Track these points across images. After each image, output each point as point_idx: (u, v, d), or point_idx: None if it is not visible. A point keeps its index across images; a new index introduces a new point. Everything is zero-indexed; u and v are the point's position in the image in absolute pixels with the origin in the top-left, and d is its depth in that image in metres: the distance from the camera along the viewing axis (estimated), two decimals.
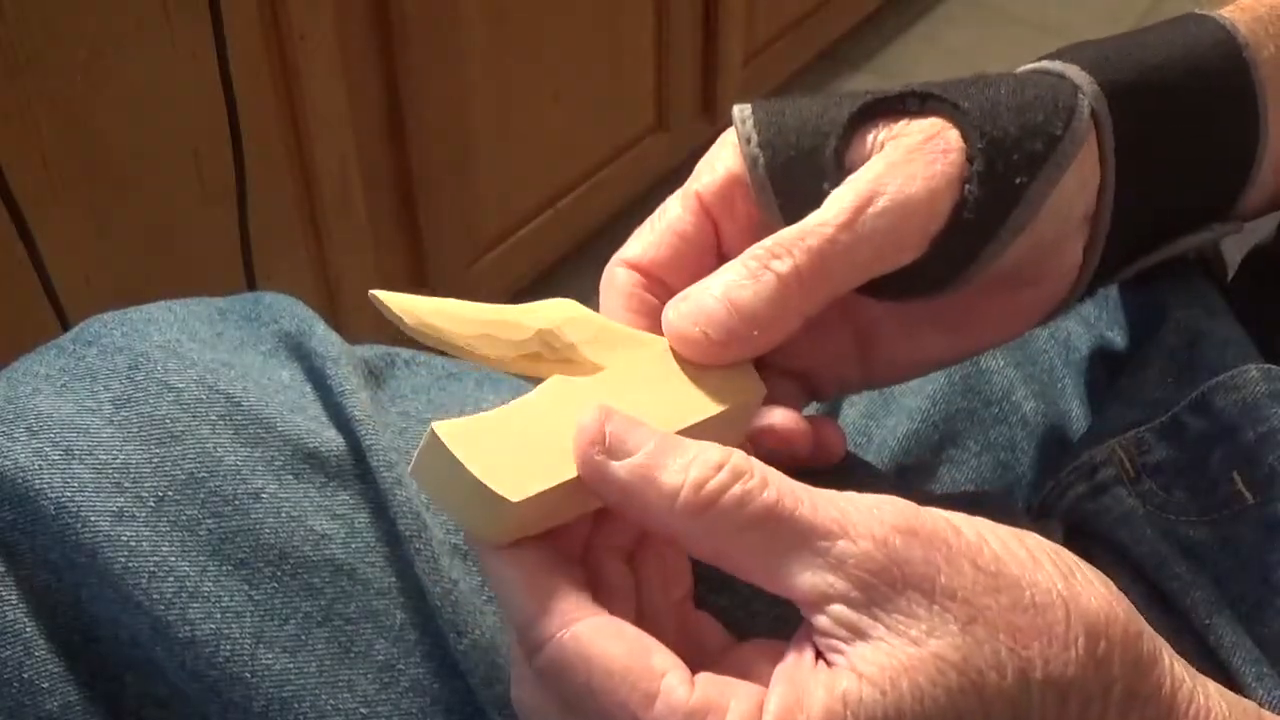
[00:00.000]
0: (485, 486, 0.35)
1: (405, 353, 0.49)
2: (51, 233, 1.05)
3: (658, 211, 0.45)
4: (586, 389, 0.39)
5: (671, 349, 0.41)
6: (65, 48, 1.03)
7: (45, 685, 0.43)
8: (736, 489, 0.34)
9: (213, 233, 1.18)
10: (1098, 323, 0.61)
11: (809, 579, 0.34)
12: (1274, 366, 0.47)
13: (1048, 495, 0.53)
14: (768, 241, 0.41)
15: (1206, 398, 0.47)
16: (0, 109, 1.01)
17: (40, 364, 0.46)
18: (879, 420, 0.56)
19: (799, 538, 0.34)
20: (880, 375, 0.49)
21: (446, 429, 0.35)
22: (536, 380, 0.42)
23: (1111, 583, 0.36)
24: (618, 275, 0.44)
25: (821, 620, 0.34)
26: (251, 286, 1.13)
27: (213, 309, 0.49)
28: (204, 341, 0.47)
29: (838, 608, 0.34)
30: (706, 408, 0.41)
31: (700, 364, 0.41)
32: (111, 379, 0.45)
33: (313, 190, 1.30)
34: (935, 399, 0.56)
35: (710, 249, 0.45)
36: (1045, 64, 0.46)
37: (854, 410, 0.57)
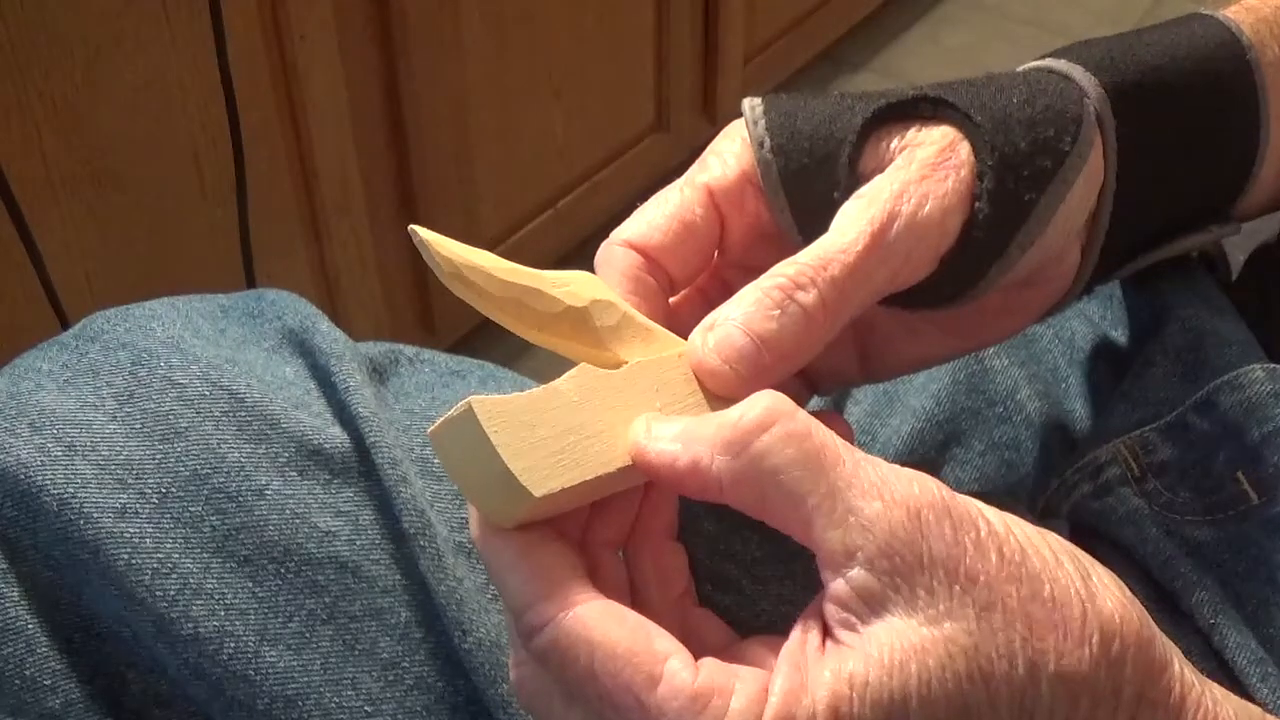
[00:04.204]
0: (511, 475, 0.35)
1: (409, 350, 0.49)
2: (51, 233, 1.05)
3: (662, 194, 0.45)
4: (612, 385, 0.39)
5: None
6: (65, 48, 1.03)
7: (47, 683, 0.43)
8: (779, 429, 0.34)
9: (213, 232, 1.18)
10: (1102, 322, 0.61)
11: (838, 536, 0.34)
12: (1278, 366, 0.47)
13: (1052, 495, 0.53)
14: (789, 268, 0.40)
15: (1211, 397, 0.47)
16: (0, 109, 1.01)
17: (43, 360, 0.46)
18: (883, 419, 0.56)
19: (836, 491, 0.34)
20: (879, 371, 0.49)
21: (484, 406, 0.35)
22: (550, 360, 0.42)
23: (1125, 587, 0.36)
24: (617, 254, 0.44)
25: (839, 586, 0.34)
26: (251, 286, 1.13)
27: (215, 306, 0.49)
28: (207, 338, 0.47)
29: (859, 572, 0.33)
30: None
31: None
32: (114, 375, 0.45)
33: (313, 190, 1.30)
34: (940, 398, 0.56)
35: (714, 241, 0.45)
36: (1051, 63, 0.46)
37: (858, 409, 0.57)
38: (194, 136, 1.15)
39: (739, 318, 0.40)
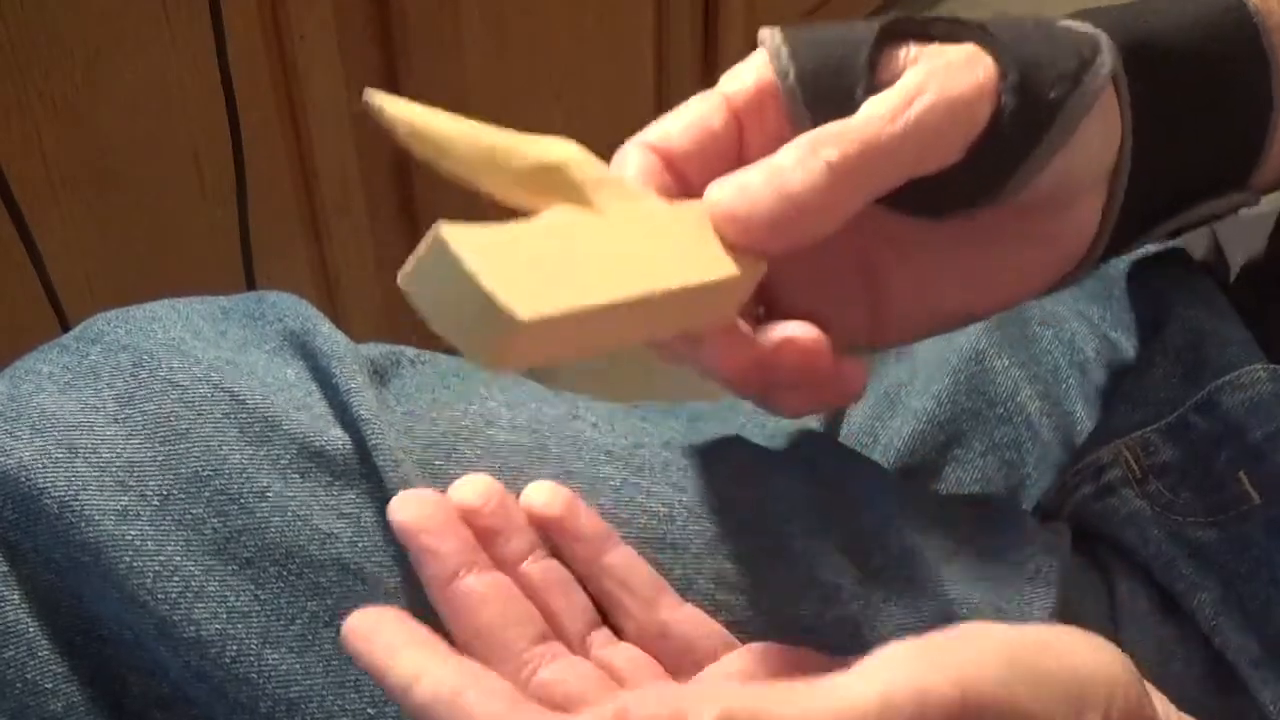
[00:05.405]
0: (493, 301, 0.31)
1: (410, 351, 0.49)
2: (51, 233, 1.05)
3: (685, 104, 0.44)
4: (590, 222, 0.37)
5: (664, 210, 0.40)
6: (65, 48, 1.03)
7: (49, 686, 0.43)
8: None
9: (213, 233, 1.18)
10: (1102, 323, 0.61)
11: None
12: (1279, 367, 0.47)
13: (1053, 496, 0.53)
14: (816, 131, 0.40)
15: (1213, 398, 0.47)
16: (0, 109, 1.01)
17: (43, 362, 0.46)
18: (885, 421, 0.56)
19: None
20: (888, 328, 0.48)
21: (454, 232, 0.32)
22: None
23: (1123, 660, 0.35)
24: (634, 154, 0.43)
25: None
26: (251, 286, 1.13)
27: (216, 307, 0.49)
28: (208, 340, 0.47)
29: None
30: (717, 267, 0.39)
31: (712, 235, 0.40)
32: (115, 377, 0.45)
33: (313, 190, 1.30)
34: (941, 399, 0.55)
35: (734, 150, 0.44)
36: (1062, 20, 0.46)
37: (860, 412, 0.57)
38: (194, 136, 1.15)
39: (761, 167, 0.40)
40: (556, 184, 0.38)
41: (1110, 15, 0.46)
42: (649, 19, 1.64)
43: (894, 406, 0.57)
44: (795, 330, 0.42)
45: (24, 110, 1.02)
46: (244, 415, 0.44)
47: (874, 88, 0.42)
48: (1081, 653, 0.35)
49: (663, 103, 1.71)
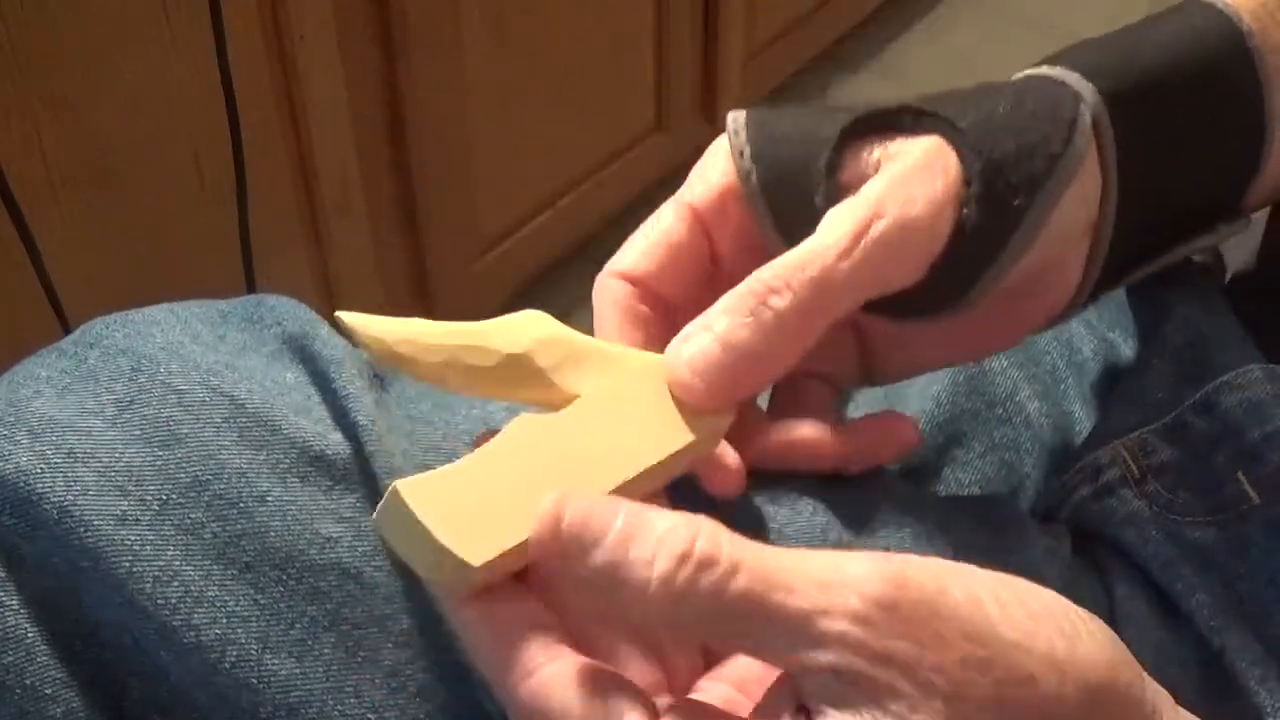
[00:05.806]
0: (447, 550, 0.35)
1: None
2: (51, 233, 1.05)
3: (650, 220, 0.45)
4: (552, 429, 0.38)
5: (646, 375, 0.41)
6: (65, 48, 1.03)
7: (48, 692, 0.43)
8: (706, 581, 0.32)
9: (213, 233, 1.18)
10: (1100, 324, 0.61)
11: (791, 658, 0.33)
12: (1277, 366, 0.47)
13: (1052, 496, 0.53)
14: (766, 273, 0.40)
15: (1211, 398, 0.47)
16: (0, 109, 1.01)
17: (41, 366, 0.45)
18: None
19: (778, 621, 0.32)
20: (881, 376, 0.50)
21: (409, 487, 0.35)
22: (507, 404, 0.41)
23: (1119, 641, 0.35)
24: (610, 287, 0.44)
25: (806, 685, 0.33)
26: (251, 287, 1.13)
27: (215, 311, 0.49)
28: (207, 344, 0.47)
29: (820, 681, 0.33)
30: (679, 436, 0.40)
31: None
32: (114, 381, 0.44)
33: (313, 190, 1.30)
34: (940, 400, 0.56)
35: (703, 258, 0.45)
36: (1045, 70, 0.46)
37: (858, 412, 0.57)
38: (194, 136, 1.15)
39: (710, 327, 0.40)
40: (524, 374, 0.40)
41: (1098, 54, 0.45)
42: (649, 19, 1.64)
43: (893, 408, 0.57)
44: (804, 432, 0.44)
45: (24, 110, 1.02)
46: (243, 419, 0.44)
47: (834, 193, 0.42)
48: (1046, 599, 0.34)
49: (662, 102, 1.71)
